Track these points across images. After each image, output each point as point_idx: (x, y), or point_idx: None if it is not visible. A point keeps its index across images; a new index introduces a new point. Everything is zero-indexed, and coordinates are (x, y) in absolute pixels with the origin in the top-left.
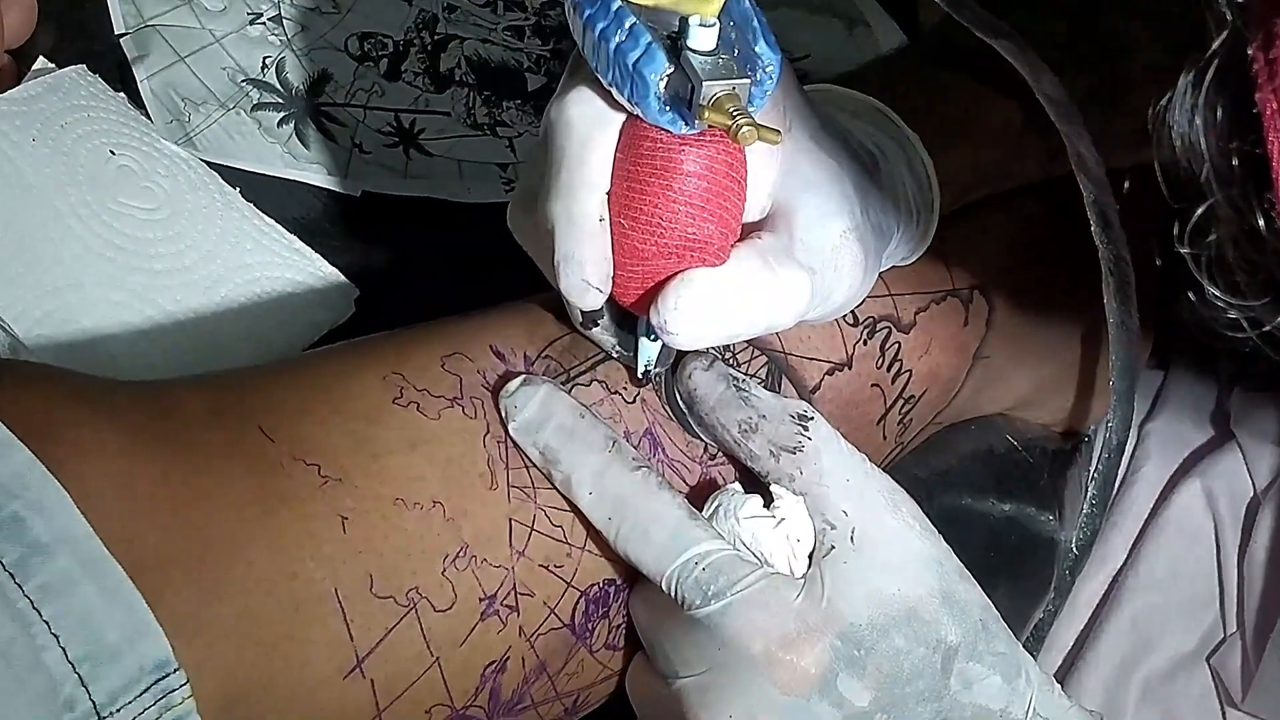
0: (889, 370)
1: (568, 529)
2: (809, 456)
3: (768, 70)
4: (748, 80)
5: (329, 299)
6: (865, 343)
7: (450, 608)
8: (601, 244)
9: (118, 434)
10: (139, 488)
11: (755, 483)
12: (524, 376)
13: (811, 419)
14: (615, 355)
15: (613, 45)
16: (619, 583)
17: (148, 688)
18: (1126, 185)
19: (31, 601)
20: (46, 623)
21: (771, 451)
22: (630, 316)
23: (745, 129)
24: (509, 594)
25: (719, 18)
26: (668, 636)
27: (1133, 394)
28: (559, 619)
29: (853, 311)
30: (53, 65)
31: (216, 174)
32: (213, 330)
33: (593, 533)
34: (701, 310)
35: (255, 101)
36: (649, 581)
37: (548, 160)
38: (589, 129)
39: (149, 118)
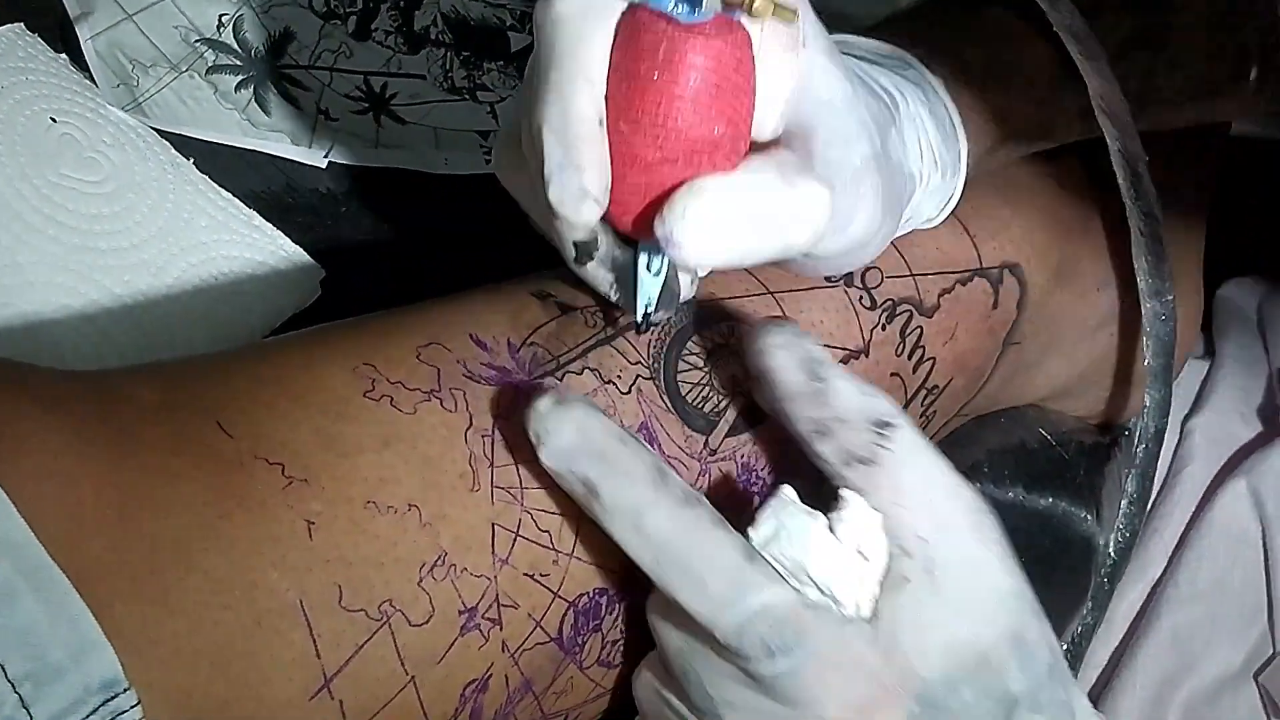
0: (910, 358)
1: (555, 534)
2: (885, 470)
3: None
4: None
5: (292, 280)
6: (884, 327)
7: (427, 621)
8: (599, 148)
9: (60, 429)
10: (84, 489)
11: (795, 470)
12: (553, 394)
13: (894, 426)
14: (612, 297)
15: None
16: (611, 592)
17: (95, 709)
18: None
19: None
20: None
21: (843, 460)
22: (627, 253)
23: (759, 1)
24: (491, 606)
25: None
26: (709, 673)
27: (1170, 374)
28: (545, 632)
29: (870, 294)
30: None
31: (168, 143)
32: (164, 315)
33: (582, 538)
34: (712, 221)
35: (210, 63)
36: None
37: (534, 64)
38: (581, 21)
39: (93, 81)
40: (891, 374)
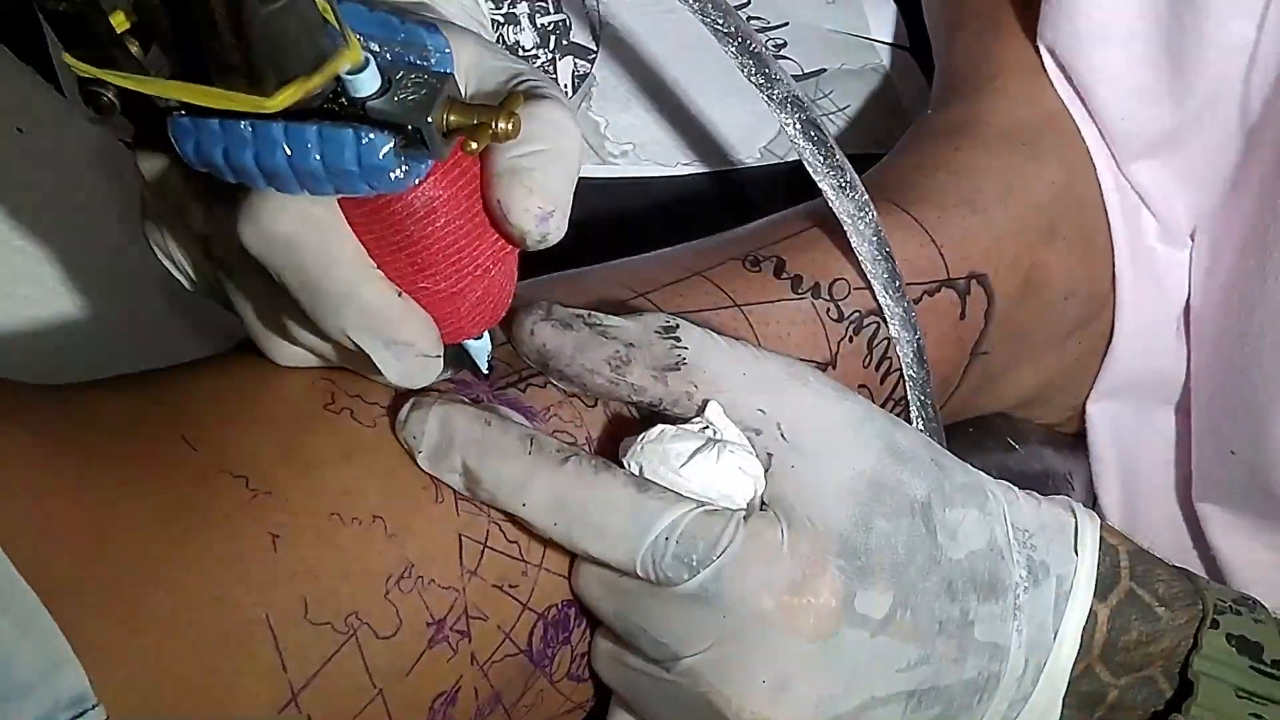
0: (877, 369)
1: (524, 545)
2: (694, 367)
3: (440, 55)
4: (449, 74)
5: None
6: (851, 339)
7: (394, 634)
8: (416, 312)
9: (28, 444)
10: (53, 504)
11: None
12: (412, 400)
13: (678, 325)
14: (450, 377)
15: (283, 161)
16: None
17: None
18: None
19: None
20: None
21: (654, 376)
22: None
23: (501, 120)
24: (459, 618)
25: (364, 52)
26: (652, 620)
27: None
28: (514, 645)
29: (837, 305)
30: None
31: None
32: (127, 328)
33: (552, 548)
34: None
35: None
36: (597, 566)
37: (290, 284)
38: (318, 230)
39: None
40: (860, 385)
